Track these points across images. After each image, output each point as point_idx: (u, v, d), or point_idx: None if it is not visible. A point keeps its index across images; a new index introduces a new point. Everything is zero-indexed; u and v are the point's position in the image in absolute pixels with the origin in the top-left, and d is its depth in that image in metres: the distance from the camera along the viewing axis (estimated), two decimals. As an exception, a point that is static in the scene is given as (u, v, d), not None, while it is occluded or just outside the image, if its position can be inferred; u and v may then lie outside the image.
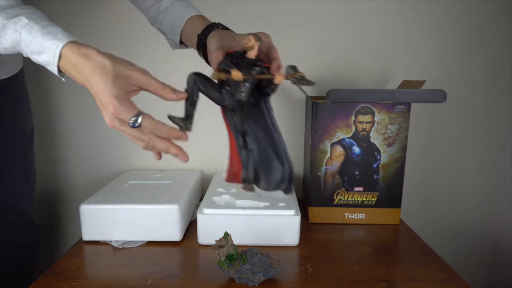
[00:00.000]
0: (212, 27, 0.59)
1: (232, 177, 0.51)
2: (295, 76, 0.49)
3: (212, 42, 0.56)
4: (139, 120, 0.46)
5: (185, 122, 0.50)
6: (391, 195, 0.84)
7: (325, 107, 0.80)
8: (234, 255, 0.61)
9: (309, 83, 0.49)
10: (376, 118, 0.81)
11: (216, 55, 0.52)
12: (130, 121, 0.46)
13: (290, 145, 1.00)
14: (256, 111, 0.52)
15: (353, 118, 0.81)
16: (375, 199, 0.85)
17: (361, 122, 0.81)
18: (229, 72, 0.48)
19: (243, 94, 0.50)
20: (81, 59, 0.47)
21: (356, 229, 0.83)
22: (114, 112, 0.46)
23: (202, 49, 0.59)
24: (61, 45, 0.47)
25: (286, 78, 0.49)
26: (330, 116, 0.81)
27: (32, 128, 0.84)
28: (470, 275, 1.06)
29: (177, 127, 0.50)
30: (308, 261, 0.68)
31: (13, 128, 0.77)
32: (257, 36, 0.49)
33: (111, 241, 0.75)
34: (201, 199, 0.93)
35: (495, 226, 1.07)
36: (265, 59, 0.53)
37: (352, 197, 0.85)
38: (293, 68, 0.50)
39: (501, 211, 1.06)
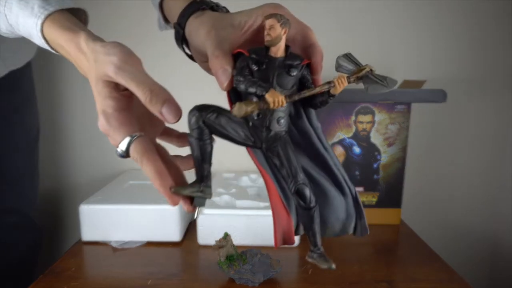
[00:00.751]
0: (193, 8, 0.39)
1: (283, 238, 0.36)
2: (363, 74, 0.32)
3: (199, 35, 0.37)
4: (125, 148, 0.33)
5: (201, 187, 0.33)
6: (391, 195, 0.84)
7: (325, 107, 0.80)
8: (234, 256, 0.61)
9: (384, 81, 0.33)
10: (376, 118, 0.81)
11: (216, 62, 0.33)
12: (116, 149, 0.34)
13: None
14: (298, 134, 0.35)
15: (353, 118, 0.81)
16: (375, 199, 0.84)
17: (361, 122, 0.81)
18: (260, 98, 0.30)
19: (282, 122, 0.32)
20: (64, 45, 0.36)
21: (356, 229, 0.83)
22: (101, 129, 0.35)
23: (185, 43, 0.41)
24: (39, 22, 0.36)
25: (350, 82, 0.32)
26: (330, 116, 0.81)
27: (38, 129, 0.83)
28: (471, 275, 1.06)
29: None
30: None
31: (19, 128, 0.76)
32: (280, 17, 0.31)
33: (110, 241, 0.75)
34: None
35: (495, 226, 1.06)
36: (296, 49, 0.36)
37: (352, 197, 0.85)
38: (349, 58, 0.33)
39: (501, 211, 1.05)
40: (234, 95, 0.33)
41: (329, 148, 0.36)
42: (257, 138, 0.32)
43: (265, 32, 0.30)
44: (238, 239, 0.72)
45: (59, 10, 0.36)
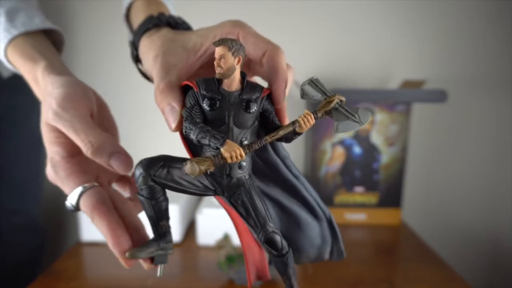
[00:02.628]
0: (148, 24, 0.34)
1: (257, 275, 0.34)
2: (331, 107, 0.28)
3: (148, 59, 0.31)
4: (75, 203, 0.32)
5: (160, 245, 0.29)
6: (391, 196, 0.84)
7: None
8: (234, 256, 0.61)
9: (355, 115, 0.28)
10: (376, 118, 0.81)
11: (160, 98, 0.27)
12: (66, 202, 0.32)
13: (290, 145, 1.00)
14: (265, 167, 0.32)
15: (353, 118, 0.81)
16: (375, 200, 0.84)
17: (362, 122, 0.81)
18: (216, 150, 0.25)
19: (244, 165, 0.28)
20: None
21: (357, 229, 0.83)
22: (50, 178, 0.32)
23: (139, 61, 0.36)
24: (2, 47, 0.34)
25: (318, 118, 0.28)
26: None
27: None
28: (471, 275, 1.06)
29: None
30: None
31: (25, 130, 0.76)
32: (232, 43, 0.25)
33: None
34: (201, 199, 0.93)
35: (496, 227, 1.06)
36: (264, 73, 0.30)
37: (352, 198, 0.84)
38: (316, 85, 0.28)
39: (502, 212, 1.05)
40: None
41: (299, 174, 0.33)
42: (217, 186, 0.28)
43: (215, 63, 0.25)
44: (238, 240, 0.72)
45: (24, 33, 0.34)
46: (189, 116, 0.26)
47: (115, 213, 0.30)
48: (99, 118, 0.34)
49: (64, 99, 0.29)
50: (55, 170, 0.30)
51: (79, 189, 0.30)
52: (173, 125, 0.27)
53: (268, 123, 0.28)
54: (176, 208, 0.73)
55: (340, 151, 0.83)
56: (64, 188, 0.31)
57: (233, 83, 0.26)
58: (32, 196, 0.80)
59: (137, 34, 0.34)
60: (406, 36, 0.98)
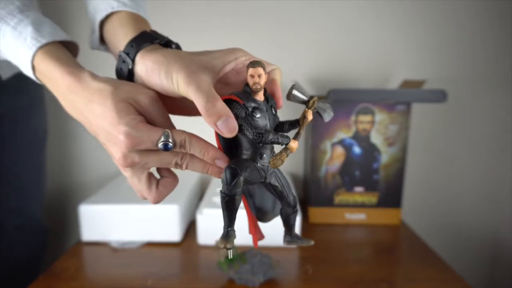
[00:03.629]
0: (144, 39, 0.37)
1: (259, 234, 0.47)
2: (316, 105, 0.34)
3: (166, 76, 0.34)
4: (171, 137, 0.33)
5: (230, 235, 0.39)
6: (391, 196, 0.84)
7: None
8: (234, 256, 0.61)
9: (328, 109, 0.36)
10: (376, 118, 0.81)
11: (216, 111, 0.32)
12: (161, 143, 0.33)
13: (290, 145, 1.00)
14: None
15: (353, 118, 0.81)
16: (375, 199, 0.84)
17: (362, 122, 0.81)
18: (285, 145, 0.32)
19: (265, 157, 0.35)
20: (62, 80, 0.35)
21: (357, 229, 0.83)
22: (130, 142, 0.32)
23: (129, 79, 0.37)
24: (31, 53, 0.35)
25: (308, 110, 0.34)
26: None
27: (45, 131, 0.83)
28: (471, 275, 1.06)
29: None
30: (308, 261, 0.68)
31: (26, 130, 0.76)
32: (262, 64, 0.32)
33: (110, 241, 0.75)
34: (201, 199, 0.93)
35: (496, 226, 1.06)
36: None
37: (352, 197, 0.85)
38: (299, 90, 0.34)
39: (502, 212, 1.05)
40: (222, 137, 0.34)
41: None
42: (263, 174, 0.35)
43: (252, 80, 0.32)
44: (238, 239, 0.72)
45: (51, 42, 0.36)
46: (247, 121, 0.32)
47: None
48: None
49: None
50: (136, 129, 0.33)
51: (166, 131, 0.34)
52: (236, 131, 0.32)
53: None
54: (176, 208, 0.73)
55: (340, 151, 0.83)
56: (149, 136, 0.33)
57: (261, 95, 0.33)
58: (35, 196, 0.80)
59: (133, 47, 0.37)
60: (406, 36, 0.98)
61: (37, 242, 0.82)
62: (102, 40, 0.45)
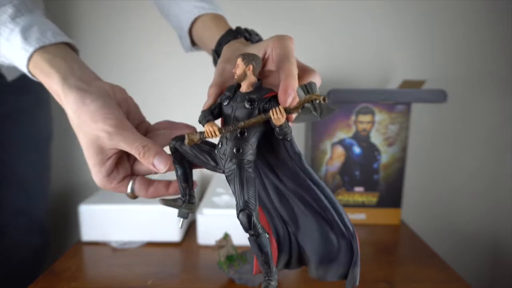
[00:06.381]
0: (229, 36, 0.44)
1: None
2: (306, 103, 0.31)
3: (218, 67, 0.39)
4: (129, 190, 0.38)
5: (184, 202, 0.36)
6: (391, 196, 0.84)
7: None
8: (234, 256, 0.61)
9: (327, 111, 0.32)
10: (376, 118, 0.81)
11: (210, 93, 0.35)
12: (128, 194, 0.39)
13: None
14: (279, 163, 0.34)
15: (353, 118, 0.81)
16: (375, 199, 0.84)
17: (362, 122, 0.81)
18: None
19: (243, 153, 0.32)
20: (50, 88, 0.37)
21: (357, 229, 0.82)
22: (101, 185, 0.38)
23: None
24: (24, 63, 0.37)
25: (290, 112, 0.31)
26: (331, 116, 0.81)
27: (50, 132, 0.83)
28: (471, 275, 1.06)
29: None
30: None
31: (29, 130, 0.76)
32: (245, 56, 0.33)
33: (110, 241, 0.75)
34: (201, 199, 0.93)
35: (496, 226, 1.06)
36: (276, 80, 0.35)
37: (352, 197, 0.85)
38: (308, 87, 0.32)
39: (502, 211, 1.05)
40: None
41: (317, 180, 0.33)
42: (220, 163, 0.33)
43: (233, 70, 0.33)
44: (238, 239, 0.72)
45: (40, 49, 0.37)
46: (211, 107, 0.34)
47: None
48: (127, 109, 0.39)
49: (108, 123, 0.35)
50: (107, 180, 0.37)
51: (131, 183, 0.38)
52: (204, 107, 0.34)
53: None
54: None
55: (340, 151, 0.83)
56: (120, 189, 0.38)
57: (246, 86, 0.33)
58: (38, 197, 0.80)
59: (221, 44, 0.44)
60: (406, 36, 0.98)
61: (40, 242, 0.82)
62: (193, 42, 0.53)
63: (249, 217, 0.30)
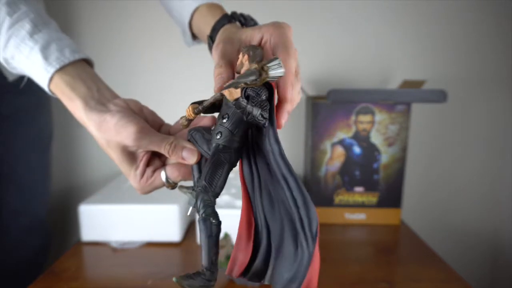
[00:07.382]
0: (223, 21, 0.45)
1: (231, 267, 0.36)
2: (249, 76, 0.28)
3: (214, 46, 0.41)
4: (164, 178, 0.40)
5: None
6: (391, 196, 0.84)
7: (325, 107, 0.80)
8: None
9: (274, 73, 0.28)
10: (376, 118, 0.81)
11: (216, 71, 0.37)
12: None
13: (290, 145, 1.00)
14: (263, 154, 0.33)
15: (353, 118, 0.81)
16: (375, 200, 0.84)
17: (362, 122, 0.81)
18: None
19: (220, 138, 0.32)
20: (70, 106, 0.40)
21: (357, 229, 0.83)
22: (139, 189, 0.40)
23: None
24: (45, 83, 0.39)
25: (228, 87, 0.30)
26: (330, 116, 0.81)
27: (51, 132, 0.83)
28: (471, 275, 1.06)
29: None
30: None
31: (30, 130, 0.76)
32: (248, 47, 0.33)
33: (110, 241, 0.75)
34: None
35: (496, 226, 1.06)
36: None
37: (352, 197, 0.85)
38: (251, 49, 0.33)
39: (502, 211, 1.05)
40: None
41: (289, 175, 0.30)
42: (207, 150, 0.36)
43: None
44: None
45: (61, 68, 0.38)
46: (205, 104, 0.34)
47: None
48: (145, 118, 0.41)
49: (131, 133, 0.37)
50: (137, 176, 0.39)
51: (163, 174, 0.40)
52: (215, 88, 0.35)
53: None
54: (176, 208, 0.73)
55: (340, 151, 0.83)
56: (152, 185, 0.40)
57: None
58: (38, 197, 0.81)
59: (215, 29, 0.45)
60: (406, 36, 0.98)
61: (41, 242, 0.82)
62: (194, 36, 0.53)
63: (202, 198, 0.31)
